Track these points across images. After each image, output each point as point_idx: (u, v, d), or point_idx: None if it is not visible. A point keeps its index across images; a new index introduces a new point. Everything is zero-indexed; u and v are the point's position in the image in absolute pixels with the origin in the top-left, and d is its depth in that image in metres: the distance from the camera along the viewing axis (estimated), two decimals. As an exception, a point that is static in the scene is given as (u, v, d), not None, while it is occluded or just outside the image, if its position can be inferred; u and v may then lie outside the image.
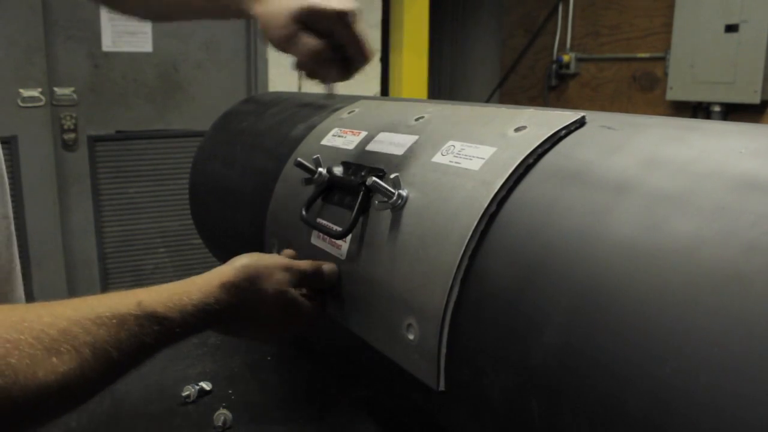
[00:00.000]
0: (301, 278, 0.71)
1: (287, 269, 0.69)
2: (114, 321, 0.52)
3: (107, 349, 0.50)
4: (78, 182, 2.73)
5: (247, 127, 1.18)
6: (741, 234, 0.39)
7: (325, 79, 0.80)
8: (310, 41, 0.74)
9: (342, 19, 0.75)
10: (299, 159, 0.82)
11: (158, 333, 0.55)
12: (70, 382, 0.47)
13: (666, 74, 3.12)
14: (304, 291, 0.72)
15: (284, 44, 0.76)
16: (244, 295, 0.64)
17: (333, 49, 0.76)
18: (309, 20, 0.74)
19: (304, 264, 0.72)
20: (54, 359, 0.46)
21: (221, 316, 0.62)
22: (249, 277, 0.65)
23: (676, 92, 3.04)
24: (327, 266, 0.73)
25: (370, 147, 0.79)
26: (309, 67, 0.77)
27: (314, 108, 1.05)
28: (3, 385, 0.43)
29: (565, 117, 0.61)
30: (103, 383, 0.52)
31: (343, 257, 0.72)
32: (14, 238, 0.93)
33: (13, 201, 2.76)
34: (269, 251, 0.93)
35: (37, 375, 0.45)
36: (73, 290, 2.72)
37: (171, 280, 0.61)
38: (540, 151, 0.58)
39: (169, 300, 0.57)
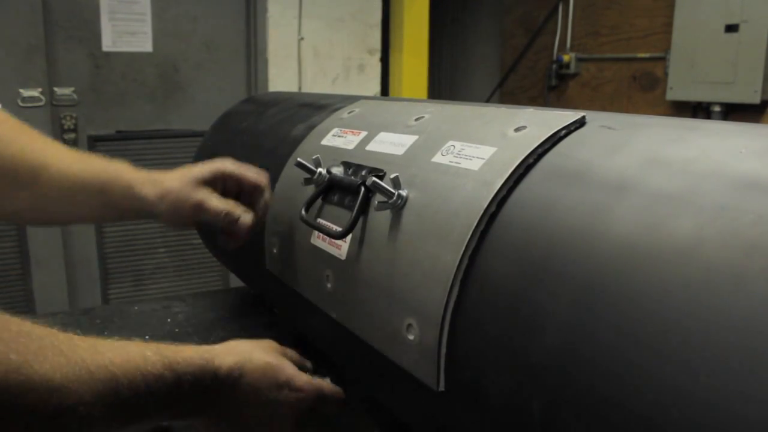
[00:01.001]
0: (303, 400, 0.69)
1: (286, 385, 0.68)
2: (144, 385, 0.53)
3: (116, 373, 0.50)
4: (78, 182, 2.72)
5: (247, 127, 1.18)
6: (741, 234, 0.39)
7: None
8: (218, 204, 0.82)
9: (258, 190, 0.86)
10: (299, 159, 0.82)
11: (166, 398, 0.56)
12: (73, 387, 0.46)
13: (666, 74, 3.12)
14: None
15: (194, 213, 0.82)
16: (242, 393, 0.64)
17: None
18: (218, 183, 0.84)
19: (307, 385, 0.70)
20: (61, 359, 0.46)
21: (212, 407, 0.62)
22: (250, 379, 0.65)
23: (676, 92, 3.04)
24: (334, 389, 0.73)
25: (370, 147, 0.79)
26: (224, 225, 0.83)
27: (314, 108, 1.05)
28: (15, 362, 0.42)
29: (565, 117, 0.61)
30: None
31: (343, 257, 0.72)
32: None
33: (13, 201, 2.74)
34: (269, 251, 0.93)
35: (44, 366, 0.44)
36: (73, 290, 2.72)
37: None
38: (540, 151, 0.58)
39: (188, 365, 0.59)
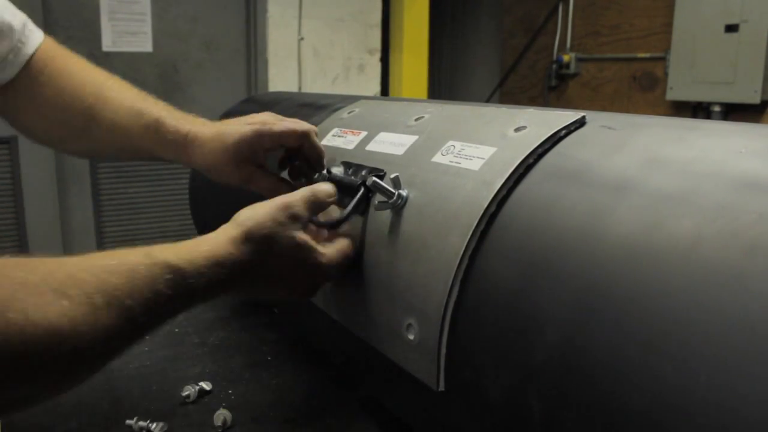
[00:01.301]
0: (300, 215, 0.65)
1: (284, 210, 0.64)
2: (123, 269, 0.49)
3: (120, 297, 0.48)
4: (78, 182, 2.73)
5: (247, 127, 1.18)
6: (741, 233, 0.39)
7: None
8: (268, 181, 0.79)
9: (307, 137, 0.79)
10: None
11: (171, 282, 0.52)
12: (84, 330, 0.44)
13: (666, 74, 3.12)
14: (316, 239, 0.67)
15: (243, 184, 0.79)
16: (255, 248, 0.61)
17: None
18: (263, 145, 0.78)
19: (297, 198, 0.66)
20: (64, 302, 0.44)
21: (234, 270, 0.59)
22: (254, 229, 0.61)
23: (676, 92, 3.04)
24: (319, 188, 0.68)
25: (370, 147, 0.79)
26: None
27: (314, 108, 1.05)
28: (15, 321, 0.40)
29: (566, 117, 0.61)
30: (124, 337, 0.49)
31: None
32: None
33: (12, 201, 2.77)
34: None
35: (48, 316, 0.42)
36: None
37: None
38: (540, 151, 0.58)
39: (179, 252, 0.55)
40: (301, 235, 0.64)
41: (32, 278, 0.44)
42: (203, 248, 0.57)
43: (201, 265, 0.56)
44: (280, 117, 0.81)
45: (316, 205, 0.68)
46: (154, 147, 0.81)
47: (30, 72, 0.81)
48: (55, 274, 0.45)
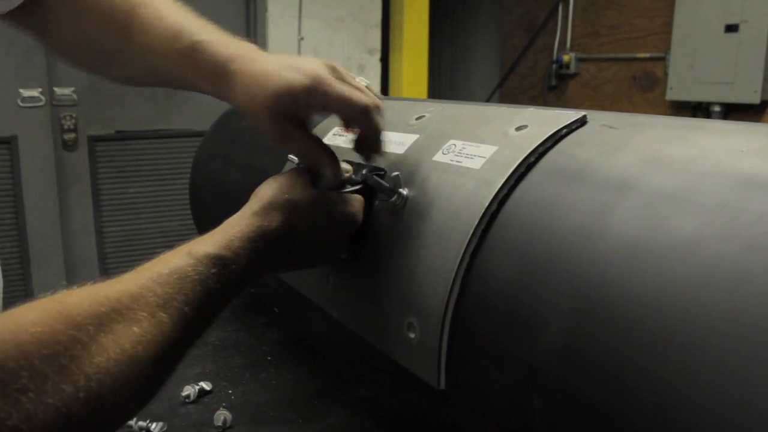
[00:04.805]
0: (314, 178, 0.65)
1: (301, 175, 0.65)
2: (175, 276, 0.50)
3: (178, 306, 0.49)
4: (78, 182, 2.73)
5: (247, 127, 1.18)
6: (742, 232, 0.39)
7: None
8: (305, 144, 0.67)
9: (367, 115, 0.65)
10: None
11: (218, 275, 0.53)
12: (155, 349, 0.46)
13: (666, 74, 3.12)
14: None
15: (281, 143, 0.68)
16: (280, 214, 0.61)
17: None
18: (310, 103, 0.64)
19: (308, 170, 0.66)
20: (135, 329, 0.45)
21: (267, 243, 0.59)
22: (275, 197, 0.62)
23: (676, 92, 3.04)
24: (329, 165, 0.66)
25: (370, 146, 0.78)
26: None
27: (314, 107, 1.05)
28: (99, 364, 0.42)
29: (566, 116, 0.61)
30: (186, 343, 0.51)
31: (345, 256, 0.72)
32: None
33: (12, 201, 2.77)
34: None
35: (126, 348, 0.44)
36: (73, 290, 2.72)
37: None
38: (541, 149, 0.58)
39: (215, 240, 0.55)
40: (317, 191, 0.65)
41: (105, 311, 0.45)
42: (235, 230, 0.58)
43: (237, 247, 0.56)
44: (343, 72, 0.66)
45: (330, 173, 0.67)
46: (192, 77, 0.70)
47: None
48: (123, 300, 0.46)
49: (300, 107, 0.64)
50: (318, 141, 0.68)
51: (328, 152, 0.67)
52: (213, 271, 0.53)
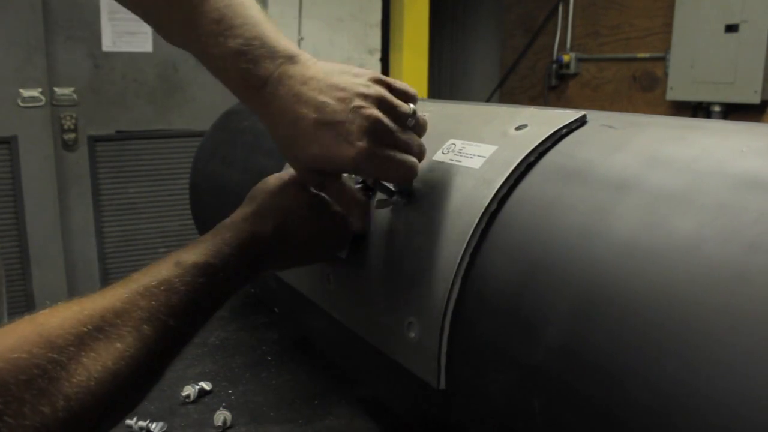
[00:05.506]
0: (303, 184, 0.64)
1: (292, 180, 0.64)
2: (162, 288, 0.50)
3: (163, 318, 0.49)
4: (78, 182, 2.73)
5: (247, 127, 1.18)
6: (742, 232, 0.39)
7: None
8: (341, 193, 0.65)
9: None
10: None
11: (206, 284, 0.53)
12: (139, 363, 0.46)
13: (666, 74, 3.12)
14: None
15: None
16: (273, 219, 0.61)
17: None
18: None
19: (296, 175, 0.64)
20: (118, 345, 0.46)
21: (259, 248, 0.59)
22: (268, 202, 0.62)
23: (676, 92, 3.04)
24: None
25: (370, 146, 0.78)
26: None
27: (314, 107, 1.04)
28: (79, 383, 0.42)
29: (566, 116, 0.61)
30: (170, 355, 0.51)
31: (344, 256, 0.72)
32: None
33: (12, 201, 2.77)
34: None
35: (108, 365, 0.44)
36: (73, 290, 2.72)
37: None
38: (541, 149, 0.58)
39: (204, 248, 0.55)
40: (312, 192, 0.65)
41: (88, 330, 0.45)
42: (226, 235, 0.57)
43: (227, 254, 0.56)
44: (395, 105, 0.59)
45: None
46: (236, 87, 0.60)
47: None
48: (107, 317, 0.46)
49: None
50: (351, 191, 0.66)
51: (359, 202, 0.67)
52: (200, 280, 0.53)
